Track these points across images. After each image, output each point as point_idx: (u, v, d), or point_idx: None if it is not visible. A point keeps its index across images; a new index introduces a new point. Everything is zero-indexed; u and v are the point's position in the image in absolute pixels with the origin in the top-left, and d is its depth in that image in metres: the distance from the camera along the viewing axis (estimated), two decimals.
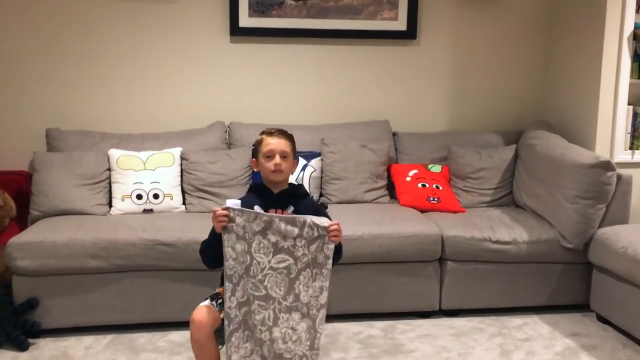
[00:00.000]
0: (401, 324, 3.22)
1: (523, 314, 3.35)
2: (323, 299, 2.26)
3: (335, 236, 2.23)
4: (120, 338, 3.04)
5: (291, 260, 2.22)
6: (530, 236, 3.28)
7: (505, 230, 3.30)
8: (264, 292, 2.21)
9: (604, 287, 3.19)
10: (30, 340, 2.95)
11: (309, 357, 2.27)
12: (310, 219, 2.21)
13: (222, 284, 2.45)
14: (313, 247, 2.22)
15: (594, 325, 3.25)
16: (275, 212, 2.34)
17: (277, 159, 2.37)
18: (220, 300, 2.32)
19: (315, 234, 2.21)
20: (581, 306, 3.39)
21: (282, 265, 2.22)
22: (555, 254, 3.30)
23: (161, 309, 3.10)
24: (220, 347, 2.33)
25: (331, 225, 2.22)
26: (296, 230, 2.21)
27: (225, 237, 2.20)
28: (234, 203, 2.23)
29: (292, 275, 2.23)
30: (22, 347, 2.89)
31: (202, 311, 2.25)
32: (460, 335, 3.11)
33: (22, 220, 3.43)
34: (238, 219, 2.20)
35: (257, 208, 2.34)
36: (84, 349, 2.93)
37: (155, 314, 3.11)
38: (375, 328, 3.17)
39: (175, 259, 3.05)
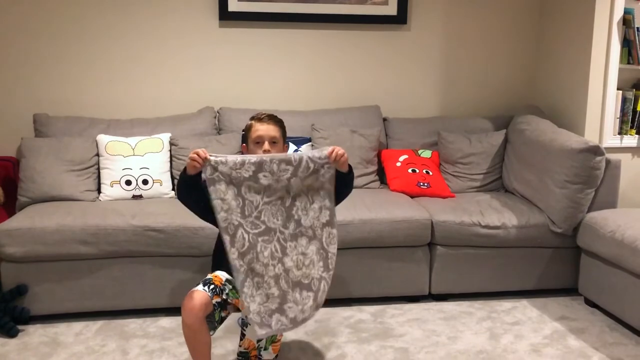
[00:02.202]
0: (391, 309, 3.23)
1: (512, 298, 3.37)
2: (324, 217, 2.26)
3: (340, 160, 2.21)
4: (111, 324, 3.03)
5: (283, 192, 2.22)
6: (519, 221, 3.29)
7: (495, 215, 3.30)
8: (263, 226, 2.20)
9: (592, 271, 3.21)
10: (20, 327, 2.94)
11: (327, 280, 2.28)
12: (307, 155, 2.20)
13: (214, 269, 2.45)
14: (308, 181, 2.22)
15: (582, 308, 3.27)
16: None
17: (266, 145, 2.37)
18: (212, 286, 2.31)
19: (311, 170, 2.20)
20: (569, 290, 3.41)
21: (275, 196, 2.22)
22: (544, 239, 3.31)
23: (151, 295, 3.09)
24: (211, 332, 2.33)
25: (331, 152, 2.21)
26: (290, 169, 2.18)
27: (211, 189, 2.16)
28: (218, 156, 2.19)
29: (287, 204, 2.23)
30: (12, 333, 2.88)
31: (194, 296, 2.24)
32: (449, 319, 3.12)
33: (10, 207, 3.40)
34: (222, 167, 2.15)
35: None
36: (74, 335, 2.92)
37: (145, 300, 3.10)
38: (365, 312, 3.18)
39: (165, 245, 3.03)
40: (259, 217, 2.20)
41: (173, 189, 3.50)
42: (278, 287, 2.23)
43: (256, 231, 2.20)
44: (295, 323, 2.28)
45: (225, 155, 2.18)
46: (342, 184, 2.34)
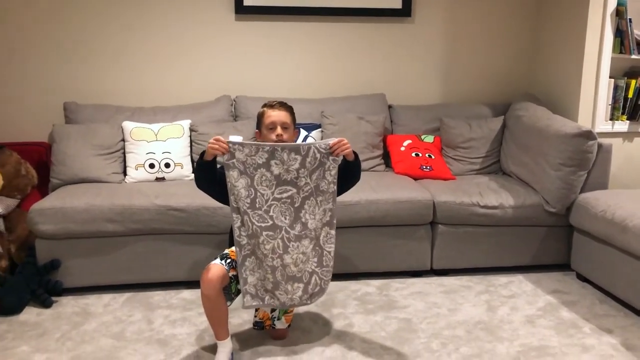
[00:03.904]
0: (395, 283, 3.24)
1: (508, 273, 3.37)
2: (326, 218, 2.23)
3: (343, 149, 2.20)
4: (137, 296, 3.06)
5: (294, 190, 2.18)
6: (515, 201, 3.28)
7: (493, 196, 3.29)
8: (270, 222, 2.17)
9: (584, 248, 3.21)
10: (54, 298, 2.98)
11: (319, 274, 2.26)
12: (314, 144, 2.17)
13: (230, 245, 2.47)
14: (315, 176, 2.18)
15: (574, 283, 3.27)
16: None
17: (279, 129, 2.37)
18: (229, 260, 2.33)
19: (318, 162, 2.16)
20: (562, 266, 3.41)
21: (285, 195, 2.18)
22: (539, 218, 3.30)
23: (174, 269, 3.12)
24: (228, 303, 2.35)
25: (334, 144, 2.20)
26: (299, 159, 2.15)
27: (227, 174, 2.16)
28: (236, 138, 2.17)
29: (296, 205, 2.19)
30: (46, 304, 2.93)
31: (212, 269, 2.27)
32: (449, 292, 3.13)
33: (43, 188, 3.44)
34: (239, 154, 2.13)
35: None
36: (103, 306, 2.96)
37: (168, 273, 3.13)
38: (371, 286, 3.20)
39: (186, 223, 3.05)
40: (268, 211, 2.17)
41: (193, 172, 3.52)
42: (273, 277, 2.23)
43: (262, 225, 2.17)
44: (284, 306, 2.30)
45: (242, 142, 2.16)
46: (349, 172, 2.34)
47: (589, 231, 3.12)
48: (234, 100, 3.83)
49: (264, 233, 2.18)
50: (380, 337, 2.66)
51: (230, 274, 2.31)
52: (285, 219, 2.19)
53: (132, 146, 3.44)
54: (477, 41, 4.13)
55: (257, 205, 2.17)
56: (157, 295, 3.07)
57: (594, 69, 3.53)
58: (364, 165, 3.64)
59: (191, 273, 3.11)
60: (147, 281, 3.13)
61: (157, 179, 3.43)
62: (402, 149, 3.69)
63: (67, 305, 2.96)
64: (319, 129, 3.69)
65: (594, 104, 3.58)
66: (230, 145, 2.15)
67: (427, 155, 3.66)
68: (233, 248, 2.42)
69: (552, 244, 3.38)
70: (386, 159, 3.78)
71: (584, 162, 3.17)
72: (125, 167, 3.47)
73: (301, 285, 2.26)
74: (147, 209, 3.03)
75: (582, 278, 3.28)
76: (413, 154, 3.65)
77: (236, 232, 2.21)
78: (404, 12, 3.97)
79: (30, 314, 2.87)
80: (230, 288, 2.35)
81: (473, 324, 2.79)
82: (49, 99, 3.75)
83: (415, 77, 4.12)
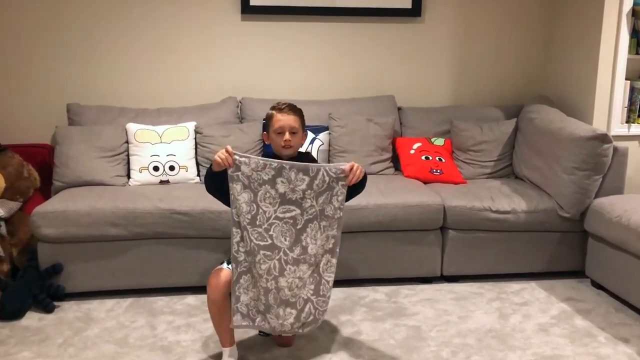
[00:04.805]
0: (404, 289, 3.25)
1: (521, 279, 3.37)
2: (329, 245, 2.19)
3: (358, 178, 2.19)
4: (140, 301, 3.09)
5: (297, 211, 2.14)
6: (528, 206, 3.29)
7: (505, 200, 3.30)
8: (269, 241, 2.14)
9: (599, 254, 3.20)
10: (56, 303, 3.01)
11: (314, 303, 2.20)
12: (325, 166, 2.14)
13: None
14: (321, 199, 2.14)
15: (588, 290, 3.27)
16: None
17: (287, 135, 2.37)
18: None
19: (326, 185, 2.13)
20: (576, 272, 3.40)
21: (288, 215, 2.15)
22: (553, 223, 3.31)
23: (178, 274, 3.14)
24: None
25: (347, 170, 2.16)
26: (307, 180, 2.12)
27: (230, 185, 2.15)
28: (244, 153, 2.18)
29: (298, 226, 2.15)
30: (48, 309, 2.95)
31: (218, 273, 2.29)
32: (460, 299, 3.14)
33: (46, 191, 3.47)
34: (244, 168, 2.11)
35: None
36: (106, 311, 2.98)
37: (172, 279, 3.15)
38: (380, 292, 3.21)
39: (190, 227, 3.08)
40: (268, 229, 2.14)
41: (198, 175, 3.55)
42: (265, 299, 2.20)
43: (260, 243, 2.14)
44: (274, 331, 2.26)
45: (249, 156, 2.16)
46: (355, 187, 2.31)
47: (604, 237, 3.12)
48: (240, 102, 3.85)
49: (261, 252, 2.15)
50: (389, 345, 2.66)
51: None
52: (285, 239, 2.16)
53: (136, 148, 3.47)
54: (489, 41, 4.14)
55: (258, 222, 2.15)
56: (161, 301, 3.09)
57: (609, 70, 3.54)
58: (372, 168, 3.68)
59: (195, 278, 3.13)
60: (151, 286, 3.15)
61: (162, 182, 3.46)
62: (412, 151, 3.71)
63: (69, 310, 2.99)
64: (327, 131, 3.71)
65: (609, 106, 3.58)
66: (237, 158, 2.14)
67: (437, 158, 3.67)
68: None
69: (566, 250, 3.38)
70: (395, 162, 3.79)
71: (599, 166, 3.17)
72: (129, 169, 3.49)
73: (294, 311, 2.22)
74: (150, 213, 3.05)
75: (597, 285, 3.27)
76: (423, 157, 3.66)
77: (234, 247, 2.20)
78: (414, 11, 3.99)
79: (32, 319, 2.89)
80: None
81: (484, 332, 2.79)
82: (51, 100, 3.78)
83: (425, 79, 4.13)
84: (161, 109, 3.74)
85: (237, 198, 2.14)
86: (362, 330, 2.80)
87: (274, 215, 2.15)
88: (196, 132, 3.58)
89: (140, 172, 3.44)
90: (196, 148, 3.57)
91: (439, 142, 3.79)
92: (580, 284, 3.33)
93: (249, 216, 2.15)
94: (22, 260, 3.16)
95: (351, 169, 2.19)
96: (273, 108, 2.46)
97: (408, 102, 4.05)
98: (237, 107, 3.83)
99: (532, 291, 3.24)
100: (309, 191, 2.14)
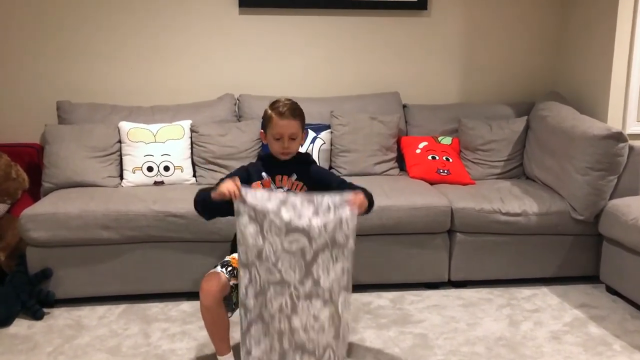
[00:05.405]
0: (410, 295, 3.22)
1: (532, 285, 3.34)
2: (344, 280, 2.12)
3: (362, 210, 2.18)
4: (133, 308, 3.06)
5: (305, 240, 2.07)
6: (540, 208, 3.25)
7: (515, 202, 3.27)
8: (278, 276, 2.09)
9: (614, 258, 3.17)
10: (45, 310, 2.98)
11: (333, 348, 2.14)
12: (329, 196, 2.11)
13: (232, 252, 2.45)
14: (330, 226, 2.08)
15: (603, 296, 3.23)
16: (281, 178, 2.36)
17: (286, 142, 2.35)
18: (230, 268, 2.32)
19: (333, 211, 2.09)
20: (591, 277, 3.37)
21: (295, 246, 2.08)
22: (566, 226, 3.27)
23: (172, 280, 3.12)
24: (229, 314, 2.34)
25: (351, 200, 2.13)
26: (312, 208, 2.09)
27: (237, 220, 2.11)
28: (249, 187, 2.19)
29: (307, 258, 2.08)
30: (37, 316, 2.93)
31: (211, 278, 2.26)
32: (468, 306, 3.11)
33: (35, 192, 3.45)
34: (250, 198, 2.09)
35: (264, 174, 2.37)
36: (98, 318, 2.96)
37: (166, 284, 3.13)
38: (384, 299, 3.18)
39: (185, 230, 3.05)
40: (276, 264, 2.08)
41: (194, 176, 3.52)
42: (280, 345, 2.11)
43: (271, 279, 2.09)
44: None
45: (255, 190, 2.14)
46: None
47: (620, 240, 3.09)
48: (238, 99, 3.83)
49: (272, 288, 2.10)
50: (394, 353, 2.64)
51: (231, 282, 2.30)
52: (295, 273, 2.09)
53: (129, 148, 3.44)
54: (498, 36, 4.11)
55: (264, 257, 2.09)
56: (155, 307, 3.07)
57: (624, 65, 3.50)
58: (376, 168, 3.65)
59: (191, 284, 3.10)
60: (144, 292, 3.12)
61: (156, 183, 3.43)
62: (418, 151, 3.68)
63: (59, 317, 2.96)
64: (328, 130, 3.68)
65: (625, 104, 3.55)
66: (243, 190, 2.11)
67: (444, 158, 3.64)
68: (235, 255, 2.40)
69: (580, 254, 3.35)
70: (400, 162, 3.76)
71: (613, 166, 3.14)
72: (121, 170, 3.47)
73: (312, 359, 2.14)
74: (144, 215, 3.03)
75: (612, 291, 3.24)
76: (429, 157, 3.63)
77: (242, 292, 2.13)
78: (420, 4, 3.96)
79: (21, 326, 2.87)
80: (231, 298, 2.34)
81: (494, 340, 2.76)
82: (41, 97, 3.76)
83: (432, 75, 4.10)
84: (155, 107, 3.71)
85: (243, 232, 2.10)
86: (365, 338, 2.77)
87: (280, 248, 2.09)
88: (192, 130, 3.56)
89: (134, 173, 3.41)
90: (192, 148, 3.54)
91: (446, 141, 3.76)
92: (594, 290, 3.30)
93: (255, 250, 2.10)
94: (10, 265, 3.14)
95: (354, 196, 2.17)
96: (272, 108, 2.38)
97: (414, 99, 4.02)
98: (235, 104, 3.81)
99: (544, 297, 3.21)
100: (315, 217, 2.09)
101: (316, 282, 2.10)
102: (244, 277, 2.12)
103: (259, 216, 2.09)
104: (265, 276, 2.10)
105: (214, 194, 2.16)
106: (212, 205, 2.22)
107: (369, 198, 2.26)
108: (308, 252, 2.09)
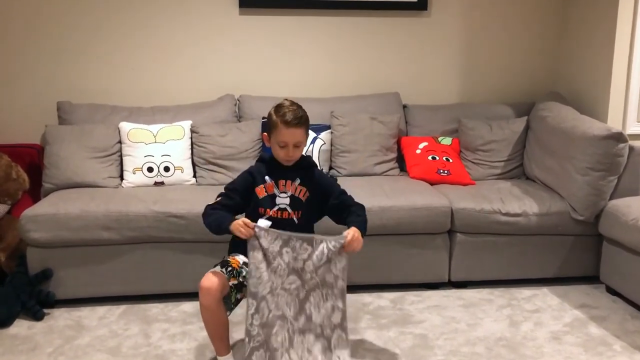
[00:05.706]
0: (410, 295, 3.24)
1: (532, 285, 3.36)
2: (336, 318, 2.26)
3: (356, 250, 2.26)
4: (133, 308, 3.08)
5: (299, 282, 2.24)
6: (540, 208, 3.27)
7: (516, 203, 3.29)
8: (280, 311, 2.23)
9: (614, 259, 3.19)
10: (45, 310, 3.00)
11: None
12: (327, 240, 2.22)
13: (230, 252, 2.48)
14: (320, 270, 2.23)
15: (603, 296, 3.25)
16: (285, 183, 2.39)
17: (291, 150, 2.37)
18: (229, 268, 2.34)
19: (325, 257, 2.21)
20: (591, 278, 3.39)
21: (293, 286, 2.24)
22: (566, 226, 3.29)
23: (173, 280, 3.14)
24: (227, 313, 2.36)
25: (347, 244, 2.22)
26: (309, 250, 2.22)
27: (250, 254, 2.22)
28: (265, 224, 2.27)
29: (301, 297, 2.24)
30: (38, 316, 2.94)
31: (211, 277, 2.28)
32: (469, 306, 3.13)
33: (35, 193, 3.47)
34: (263, 240, 2.21)
35: (267, 178, 2.39)
36: (98, 319, 2.97)
37: (167, 285, 3.14)
38: (385, 299, 3.20)
39: (186, 231, 3.07)
40: (276, 300, 2.24)
41: (194, 176, 3.54)
42: None
43: (277, 313, 2.23)
44: None
45: (266, 229, 2.23)
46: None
47: (620, 241, 3.11)
48: (238, 100, 3.84)
49: (277, 322, 2.23)
50: (394, 354, 2.65)
51: (231, 282, 2.32)
52: (290, 309, 2.24)
53: (129, 148, 3.46)
54: (498, 36, 4.13)
55: (275, 293, 2.24)
56: (155, 308, 3.08)
57: (624, 65, 3.52)
58: (376, 169, 3.67)
59: (191, 284, 3.07)
60: (145, 293, 3.14)
61: (156, 184, 3.45)
62: (418, 151, 3.70)
63: (59, 317, 2.98)
64: (329, 130, 3.70)
65: (625, 104, 3.56)
66: (257, 230, 2.22)
67: (444, 158, 3.66)
68: (234, 255, 2.44)
69: (580, 254, 3.37)
70: (400, 162, 3.78)
71: (614, 166, 3.16)
72: (122, 170, 3.49)
73: None
74: (144, 216, 3.04)
75: (612, 291, 3.26)
76: (429, 157, 3.65)
77: (248, 320, 2.23)
78: (420, 5, 3.98)
79: (21, 327, 2.88)
80: (230, 297, 2.35)
81: (494, 340, 2.78)
82: (41, 98, 3.77)
83: (432, 75, 4.12)
84: (155, 107, 3.73)
85: (258, 267, 2.22)
86: (365, 338, 2.79)
87: (280, 286, 2.24)
88: (192, 131, 3.58)
89: (134, 173, 3.43)
90: (192, 148, 3.56)
91: (447, 141, 3.78)
92: (594, 290, 3.32)
93: (269, 286, 2.23)
94: (10, 266, 3.15)
95: (352, 238, 2.23)
96: (278, 115, 2.35)
97: (414, 99, 4.04)
98: (235, 105, 3.83)
99: (544, 297, 3.23)
100: (309, 262, 2.23)
101: (309, 318, 2.25)
102: (251, 307, 2.23)
103: (270, 256, 2.23)
104: (274, 310, 2.23)
105: (231, 230, 2.24)
106: (225, 233, 2.30)
107: (364, 225, 2.38)
108: (302, 292, 2.25)
